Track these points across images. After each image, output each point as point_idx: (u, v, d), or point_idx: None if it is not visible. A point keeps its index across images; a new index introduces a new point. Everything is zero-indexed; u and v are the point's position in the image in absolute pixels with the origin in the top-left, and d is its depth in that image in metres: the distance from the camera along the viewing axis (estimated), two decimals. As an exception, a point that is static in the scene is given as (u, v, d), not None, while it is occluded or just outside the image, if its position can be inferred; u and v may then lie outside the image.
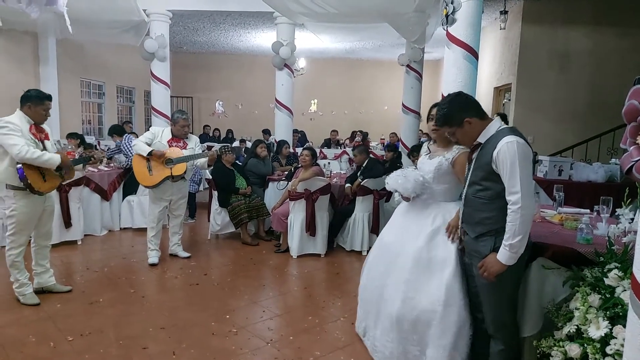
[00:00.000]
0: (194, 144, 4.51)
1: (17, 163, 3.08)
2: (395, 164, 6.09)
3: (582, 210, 3.10)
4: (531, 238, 2.13)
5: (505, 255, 1.98)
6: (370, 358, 2.71)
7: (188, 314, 3.27)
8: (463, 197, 2.23)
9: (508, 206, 1.97)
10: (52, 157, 3.19)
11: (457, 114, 2.08)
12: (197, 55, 12.73)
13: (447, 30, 4.25)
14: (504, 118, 2.27)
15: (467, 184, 2.19)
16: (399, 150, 7.00)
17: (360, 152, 5.19)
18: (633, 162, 1.28)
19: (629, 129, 1.34)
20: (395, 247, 2.62)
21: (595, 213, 2.71)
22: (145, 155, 4.19)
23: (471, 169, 2.16)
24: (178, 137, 4.38)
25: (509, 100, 7.95)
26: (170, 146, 4.32)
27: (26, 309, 3.26)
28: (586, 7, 6.93)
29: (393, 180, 2.58)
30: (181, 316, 3.22)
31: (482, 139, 2.09)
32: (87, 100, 9.70)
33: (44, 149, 3.28)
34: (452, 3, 4.09)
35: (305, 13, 6.14)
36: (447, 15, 4.17)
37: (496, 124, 2.08)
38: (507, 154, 1.92)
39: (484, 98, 8.44)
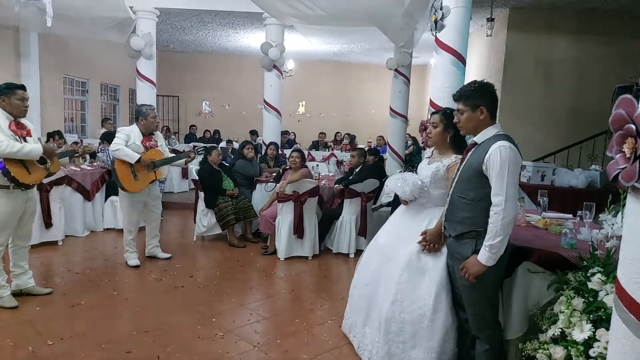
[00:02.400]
0: (162, 141, 4.43)
1: None
2: (377, 168, 6.01)
3: (565, 215, 3.16)
4: (511, 241, 2.17)
5: (485, 255, 2.03)
6: (357, 359, 2.71)
7: (173, 317, 3.22)
8: (449, 195, 2.26)
9: (491, 207, 2.02)
10: (34, 148, 3.11)
11: (478, 98, 2.13)
12: (184, 54, 12.62)
13: (435, 36, 4.29)
14: None
15: (454, 182, 2.22)
16: (382, 155, 7.02)
17: (358, 155, 5.23)
18: (619, 170, 1.30)
19: (615, 138, 1.37)
20: (388, 248, 2.67)
21: (578, 218, 2.77)
22: (133, 162, 4.01)
23: (461, 168, 2.19)
24: (149, 135, 4.24)
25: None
26: (145, 147, 4.17)
27: (3, 312, 3.17)
28: (570, 16, 7.08)
29: (392, 183, 2.62)
30: (166, 319, 3.17)
31: (479, 139, 2.13)
32: (69, 97, 9.50)
33: None
34: (441, 9, 4.14)
35: (294, 15, 6.14)
36: (436, 22, 4.21)
37: (495, 129, 2.12)
38: (499, 157, 1.97)
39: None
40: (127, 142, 4.10)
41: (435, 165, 2.56)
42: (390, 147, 7.52)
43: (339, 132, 11.55)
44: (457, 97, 2.21)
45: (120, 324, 3.10)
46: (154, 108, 4.34)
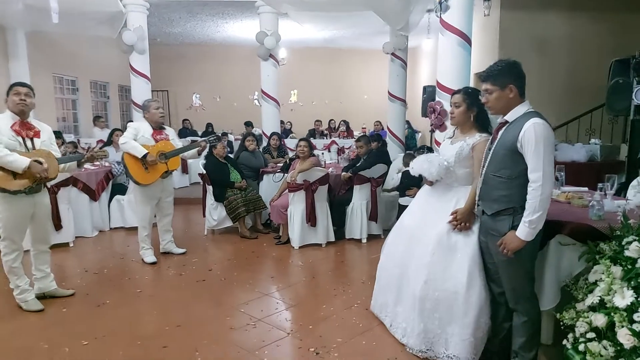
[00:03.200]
0: (173, 135, 4.41)
1: None
2: (383, 154, 6.08)
3: (582, 189, 3.24)
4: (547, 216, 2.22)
5: (524, 231, 2.07)
6: (390, 339, 2.77)
7: (201, 310, 3.24)
8: (482, 175, 2.29)
9: (529, 184, 2.05)
10: (17, 160, 2.94)
11: (506, 76, 2.14)
12: (171, 47, 12.38)
13: (440, 17, 4.30)
14: None
15: (487, 162, 2.25)
16: (384, 139, 7.05)
17: (365, 143, 5.26)
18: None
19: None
20: (415, 229, 2.71)
21: (598, 190, 2.83)
22: (139, 157, 3.98)
23: (493, 147, 2.22)
24: (159, 129, 4.23)
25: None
26: (155, 140, 4.16)
27: (31, 315, 3.16)
28: (562, -8, 7.13)
29: (418, 165, 2.65)
30: (194, 313, 3.19)
31: (510, 117, 2.16)
32: (60, 96, 9.31)
33: (33, 147, 3.10)
34: (445, -10, 4.14)
35: (290, 1, 6.10)
36: (440, 3, 4.23)
37: (526, 106, 2.15)
38: (534, 134, 2.00)
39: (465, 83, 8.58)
40: (136, 135, 4.08)
41: (459, 144, 2.59)
42: (390, 131, 7.57)
43: (332, 120, 11.54)
44: (484, 77, 2.22)
45: (150, 320, 3.12)
46: (157, 100, 4.32)
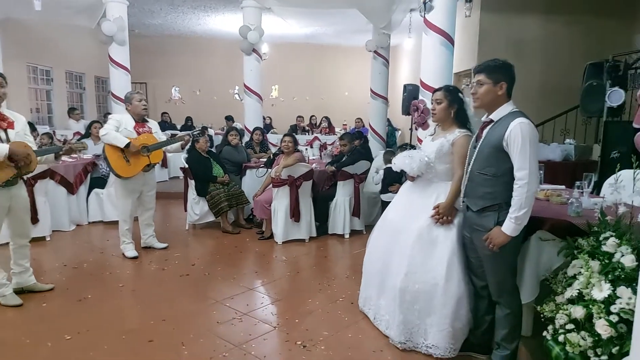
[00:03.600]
0: (157, 128, 4.36)
1: None
2: (366, 151, 6.15)
3: (559, 187, 3.37)
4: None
5: (510, 227, 2.15)
6: (375, 332, 2.83)
7: (186, 304, 3.23)
8: (467, 172, 2.36)
9: (515, 181, 2.13)
10: None
11: (501, 73, 2.21)
12: (150, 39, 12.13)
13: (424, 17, 4.38)
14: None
15: (472, 160, 2.32)
16: (366, 136, 7.13)
17: (349, 141, 5.31)
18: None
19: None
20: (398, 223, 2.77)
21: (575, 188, 2.94)
22: (122, 146, 3.93)
23: (479, 145, 2.28)
24: (142, 122, 4.18)
25: (468, 85, 8.30)
26: (138, 133, 4.10)
27: (9, 310, 3.08)
28: (539, -4, 7.34)
29: (400, 161, 2.70)
30: (179, 307, 3.17)
31: (495, 116, 2.23)
32: (34, 86, 9.01)
33: (7, 139, 3.00)
34: (429, -9, 4.21)
35: (275, -3, 6.08)
36: (425, 3, 4.30)
37: (510, 106, 2.22)
38: (520, 133, 2.08)
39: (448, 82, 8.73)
40: (118, 128, 4.01)
41: (439, 141, 2.66)
42: (372, 128, 7.64)
43: (314, 116, 11.56)
44: (479, 69, 2.26)
45: (134, 314, 3.08)
46: (139, 92, 4.24)
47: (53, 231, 4.86)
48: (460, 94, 2.71)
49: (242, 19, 7.20)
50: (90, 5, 6.48)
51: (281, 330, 2.87)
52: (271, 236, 4.83)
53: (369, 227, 5.15)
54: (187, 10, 9.24)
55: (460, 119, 2.66)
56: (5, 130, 3.04)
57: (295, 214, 4.70)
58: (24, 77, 8.54)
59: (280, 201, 4.71)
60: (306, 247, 4.67)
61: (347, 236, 4.99)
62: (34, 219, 4.50)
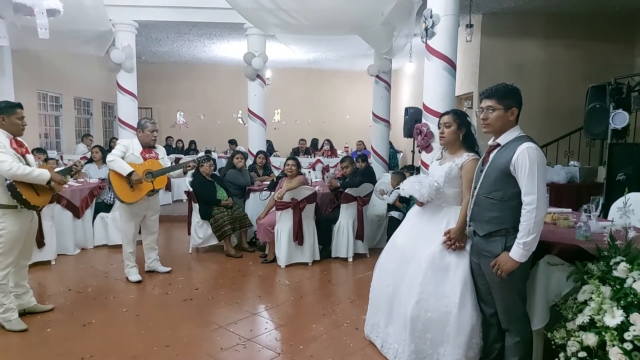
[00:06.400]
0: (163, 154, 4.40)
1: (6, 180, 2.91)
2: (369, 173, 6.15)
3: (566, 210, 3.35)
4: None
5: (518, 252, 2.13)
6: (382, 359, 2.77)
7: (190, 330, 3.18)
8: (474, 197, 2.35)
9: (523, 206, 2.11)
10: (42, 173, 3.08)
11: (512, 99, 2.21)
12: (157, 66, 12.38)
13: (426, 43, 4.45)
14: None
15: (479, 184, 2.31)
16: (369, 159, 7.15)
17: (350, 164, 5.37)
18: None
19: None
20: (407, 249, 2.73)
21: (582, 212, 2.92)
22: (124, 175, 3.96)
23: (485, 170, 2.28)
24: (149, 147, 4.22)
25: (470, 107, 8.37)
26: (144, 158, 4.15)
27: (13, 336, 3.05)
28: (539, 21, 7.47)
29: (409, 186, 2.69)
30: (183, 333, 3.13)
31: (502, 140, 2.23)
32: (44, 113, 9.16)
33: (27, 163, 3.13)
34: (431, 17, 4.29)
35: (279, 25, 6.20)
36: (426, 29, 4.37)
37: (517, 131, 2.23)
38: (527, 158, 2.08)
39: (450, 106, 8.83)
40: (125, 153, 4.06)
41: (447, 165, 2.66)
42: (374, 151, 7.66)
43: (315, 138, 11.64)
44: (489, 94, 2.25)
45: (138, 340, 3.04)
46: (155, 122, 4.28)
47: (58, 255, 4.85)
48: (468, 118, 2.73)
49: (247, 45, 7.33)
50: (100, 35, 6.63)
51: (285, 357, 2.82)
52: (274, 259, 4.80)
53: (373, 251, 5.16)
54: (193, 38, 9.44)
55: (469, 142, 2.67)
56: (23, 156, 3.15)
57: (298, 236, 4.68)
58: (34, 104, 8.70)
59: (284, 224, 4.69)
60: (309, 271, 4.63)
61: (350, 259, 4.95)
62: (40, 243, 4.52)
